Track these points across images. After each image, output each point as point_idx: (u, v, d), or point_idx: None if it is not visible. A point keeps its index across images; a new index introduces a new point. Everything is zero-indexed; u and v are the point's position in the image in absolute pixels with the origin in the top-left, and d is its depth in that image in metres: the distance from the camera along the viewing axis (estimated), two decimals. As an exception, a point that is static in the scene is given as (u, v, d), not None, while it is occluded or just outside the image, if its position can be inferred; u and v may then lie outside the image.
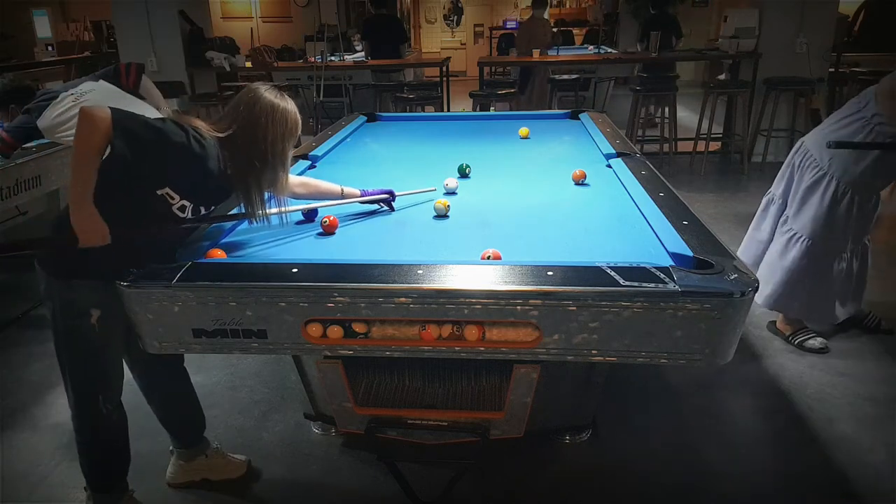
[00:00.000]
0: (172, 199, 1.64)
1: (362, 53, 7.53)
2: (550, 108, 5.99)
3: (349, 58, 7.34)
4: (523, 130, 3.21)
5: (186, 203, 1.67)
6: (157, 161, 1.58)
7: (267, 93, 1.70)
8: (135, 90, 3.21)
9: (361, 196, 2.15)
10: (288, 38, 10.97)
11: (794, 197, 2.84)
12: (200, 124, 1.68)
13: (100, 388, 1.81)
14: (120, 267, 1.55)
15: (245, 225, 2.02)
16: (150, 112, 3.21)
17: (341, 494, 2.15)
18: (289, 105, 1.71)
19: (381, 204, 2.18)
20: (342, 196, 2.12)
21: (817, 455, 2.25)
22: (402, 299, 1.44)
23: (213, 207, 1.82)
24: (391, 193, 2.17)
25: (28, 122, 2.83)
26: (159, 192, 1.63)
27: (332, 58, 7.01)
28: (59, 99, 2.95)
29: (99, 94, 3.00)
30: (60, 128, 2.94)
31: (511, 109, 5.92)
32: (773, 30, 5.89)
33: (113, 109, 1.51)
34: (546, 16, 7.14)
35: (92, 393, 1.80)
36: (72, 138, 3.09)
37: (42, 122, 2.88)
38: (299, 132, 1.78)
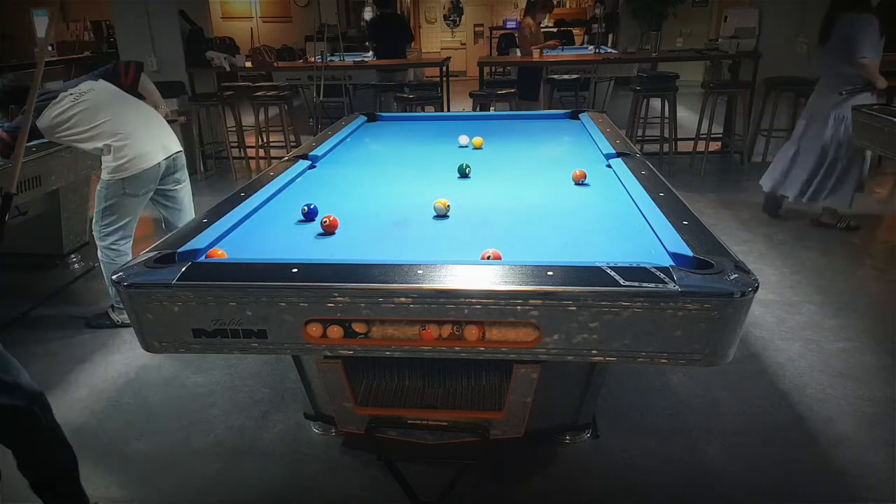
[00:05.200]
0: None
1: (370, 54, 7.51)
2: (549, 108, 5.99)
3: (353, 59, 7.33)
4: (476, 140, 2.97)
5: None
6: None
7: None
8: (133, 88, 3.21)
9: None
10: (288, 38, 10.97)
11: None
12: None
13: None
14: None
15: (245, 225, 2.02)
16: (144, 110, 3.22)
17: (341, 494, 2.15)
18: None
19: None
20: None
21: (817, 455, 2.25)
22: (402, 299, 1.44)
23: None
24: None
25: (28, 122, 2.83)
26: None
27: (333, 58, 7.01)
28: (58, 99, 2.95)
29: (98, 94, 3.01)
30: (59, 128, 2.95)
31: (511, 110, 5.91)
32: (773, 30, 5.89)
33: None
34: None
35: None
36: (71, 138, 3.11)
37: (41, 122, 2.89)
38: None
